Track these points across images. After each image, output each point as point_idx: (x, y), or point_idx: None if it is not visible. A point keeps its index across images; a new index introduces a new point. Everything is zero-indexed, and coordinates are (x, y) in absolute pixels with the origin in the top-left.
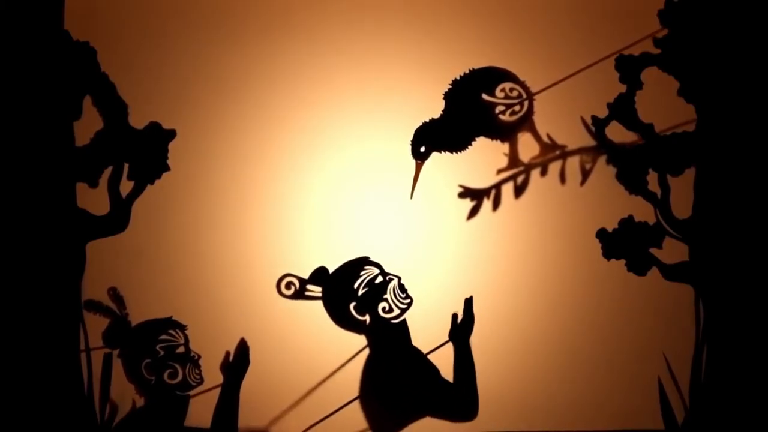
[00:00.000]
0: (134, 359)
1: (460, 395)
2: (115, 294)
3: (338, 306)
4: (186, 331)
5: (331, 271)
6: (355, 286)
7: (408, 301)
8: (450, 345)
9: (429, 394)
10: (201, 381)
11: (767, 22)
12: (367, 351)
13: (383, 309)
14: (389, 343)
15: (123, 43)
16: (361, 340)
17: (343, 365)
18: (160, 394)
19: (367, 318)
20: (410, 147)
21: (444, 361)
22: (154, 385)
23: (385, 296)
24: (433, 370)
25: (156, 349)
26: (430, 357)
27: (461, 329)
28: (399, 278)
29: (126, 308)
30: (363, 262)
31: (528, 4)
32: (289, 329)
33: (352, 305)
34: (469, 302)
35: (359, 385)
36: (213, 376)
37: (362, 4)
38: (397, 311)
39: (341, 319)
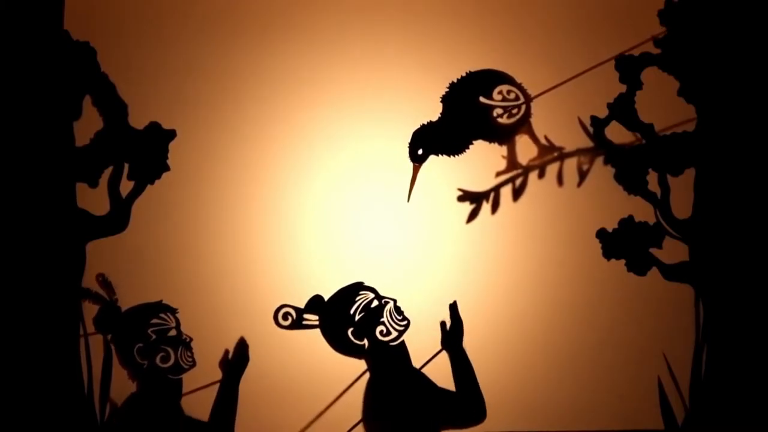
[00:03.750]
0: (126, 344)
1: (465, 401)
2: (104, 280)
3: (336, 333)
4: (177, 315)
5: (326, 298)
6: (352, 311)
7: (405, 323)
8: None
9: (435, 412)
10: (193, 364)
11: (767, 22)
12: (367, 375)
13: (381, 332)
14: (389, 366)
15: (123, 43)
16: (360, 365)
17: (344, 392)
18: (153, 378)
19: (365, 342)
20: (408, 150)
21: (446, 371)
22: (147, 370)
23: (382, 320)
24: (435, 387)
25: (148, 333)
26: (430, 372)
27: (451, 335)
28: (395, 301)
29: (115, 294)
30: (358, 287)
31: (528, 4)
32: (291, 334)
33: (350, 331)
34: (454, 307)
35: (362, 409)
36: (211, 374)
37: (362, 5)
38: (395, 334)
39: (340, 345)
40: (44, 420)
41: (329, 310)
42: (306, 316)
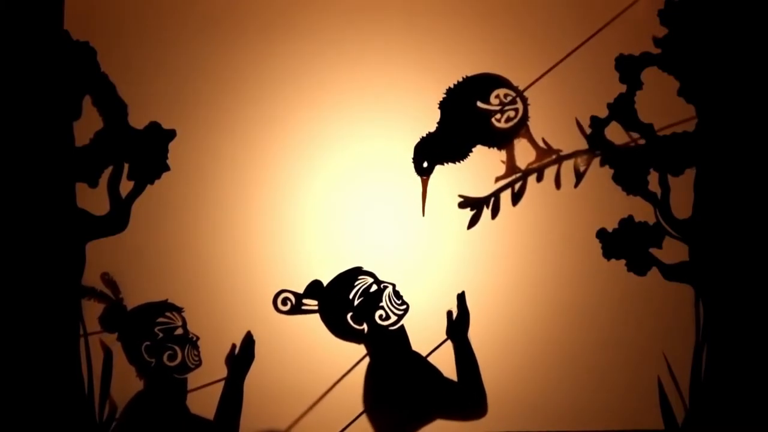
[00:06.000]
0: (133, 342)
1: (466, 392)
2: (108, 279)
3: (335, 317)
4: (183, 314)
5: (325, 284)
6: (351, 296)
7: (404, 307)
8: (449, 344)
9: (435, 397)
10: (199, 363)
11: (767, 22)
12: (367, 360)
13: (380, 317)
14: (389, 350)
15: (123, 43)
16: (360, 350)
17: (344, 375)
18: (160, 376)
19: (365, 327)
20: (413, 164)
21: (446, 360)
22: (154, 368)
23: (381, 304)
24: (436, 372)
25: (155, 331)
26: (431, 358)
27: (457, 325)
28: (394, 285)
29: (121, 292)
30: (357, 272)
31: (528, 4)
32: (290, 331)
33: (349, 315)
34: (461, 297)
35: (363, 393)
36: (215, 373)
37: (362, 5)
38: (394, 318)
39: (339, 329)
40: (44, 420)
41: (328, 294)
42: (305, 301)
